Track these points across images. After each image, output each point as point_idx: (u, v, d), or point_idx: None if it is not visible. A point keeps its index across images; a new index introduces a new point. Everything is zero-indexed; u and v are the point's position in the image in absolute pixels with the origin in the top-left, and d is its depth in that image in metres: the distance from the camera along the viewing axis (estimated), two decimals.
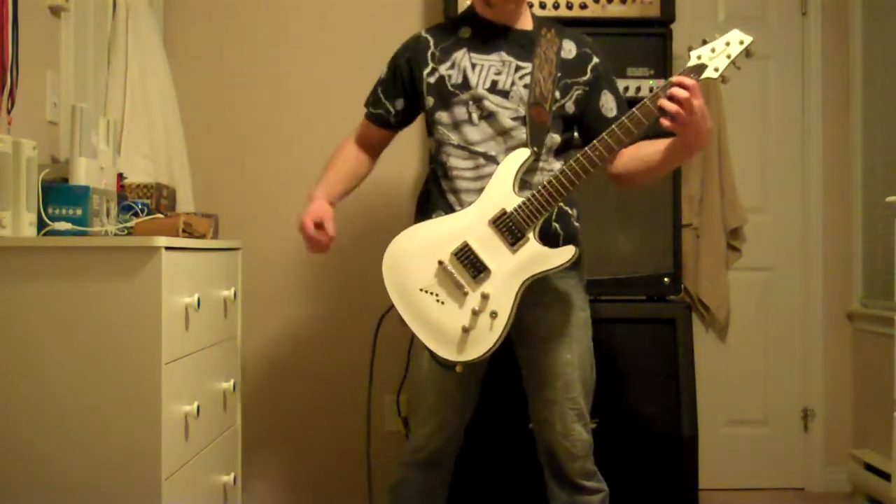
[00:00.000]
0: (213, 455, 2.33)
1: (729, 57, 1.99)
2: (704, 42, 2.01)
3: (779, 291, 3.68)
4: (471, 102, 2.17)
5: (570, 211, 2.23)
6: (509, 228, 2.06)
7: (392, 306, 2.12)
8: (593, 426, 2.26)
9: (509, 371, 2.27)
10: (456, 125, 2.19)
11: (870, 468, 3.36)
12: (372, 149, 2.41)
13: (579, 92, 2.21)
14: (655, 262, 2.92)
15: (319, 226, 2.24)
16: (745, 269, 3.63)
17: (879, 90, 3.55)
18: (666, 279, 2.91)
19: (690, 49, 2.02)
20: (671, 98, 1.95)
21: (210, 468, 2.31)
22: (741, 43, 1.99)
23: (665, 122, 1.98)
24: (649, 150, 2.14)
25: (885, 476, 3.10)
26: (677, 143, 2.06)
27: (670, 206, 2.94)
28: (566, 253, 2.05)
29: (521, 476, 2.58)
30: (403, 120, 2.35)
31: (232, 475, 2.45)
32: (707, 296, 3.53)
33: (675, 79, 1.98)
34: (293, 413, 3.35)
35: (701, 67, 1.99)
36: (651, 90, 2.83)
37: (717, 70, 1.99)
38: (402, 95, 2.29)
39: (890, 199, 2.53)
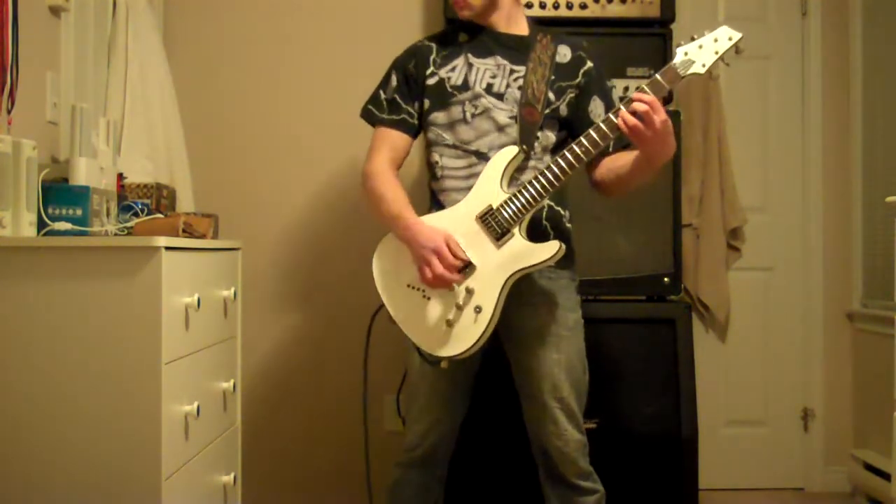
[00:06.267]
0: (213, 455, 2.33)
1: (717, 53, 1.99)
2: (693, 38, 2.02)
3: (779, 291, 3.68)
4: (467, 102, 2.18)
5: (561, 211, 2.24)
6: (495, 224, 2.06)
7: (382, 304, 2.13)
8: (592, 426, 2.26)
9: (506, 370, 2.27)
10: (451, 125, 2.20)
11: (870, 468, 3.36)
12: (399, 164, 2.25)
13: (572, 95, 2.22)
14: (655, 262, 2.92)
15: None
16: (745, 269, 3.63)
17: (879, 90, 3.55)
18: (666, 279, 2.91)
19: (678, 45, 2.03)
20: (633, 113, 1.97)
21: (210, 468, 2.31)
22: (730, 39, 1.99)
23: (623, 129, 1.98)
24: (621, 163, 2.16)
25: (885, 476, 3.10)
26: (640, 156, 2.07)
27: (670, 206, 2.94)
28: (551, 248, 2.05)
29: (517, 476, 2.58)
30: (420, 125, 2.27)
31: (232, 475, 2.45)
32: (707, 296, 3.53)
33: (635, 95, 1.99)
34: (293, 413, 3.35)
35: (687, 63, 2.00)
36: None
37: (703, 66, 1.99)
38: (419, 98, 2.24)
39: (890, 199, 2.52)
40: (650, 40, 2.93)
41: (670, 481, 2.80)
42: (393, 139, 2.24)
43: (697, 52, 2.00)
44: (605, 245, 2.87)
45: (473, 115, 2.18)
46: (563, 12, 2.89)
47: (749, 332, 3.66)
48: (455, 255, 2.03)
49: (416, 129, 2.27)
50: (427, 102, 2.23)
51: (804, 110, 3.67)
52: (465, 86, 2.19)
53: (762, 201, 3.67)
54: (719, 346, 3.65)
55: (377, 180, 2.19)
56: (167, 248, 1.92)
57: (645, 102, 1.95)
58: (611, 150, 2.19)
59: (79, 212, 2.05)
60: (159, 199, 2.50)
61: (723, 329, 3.64)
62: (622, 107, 1.99)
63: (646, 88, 1.99)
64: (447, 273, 2.02)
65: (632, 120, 1.96)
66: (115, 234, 2.15)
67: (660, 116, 1.95)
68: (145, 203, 2.33)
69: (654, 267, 2.92)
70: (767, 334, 3.68)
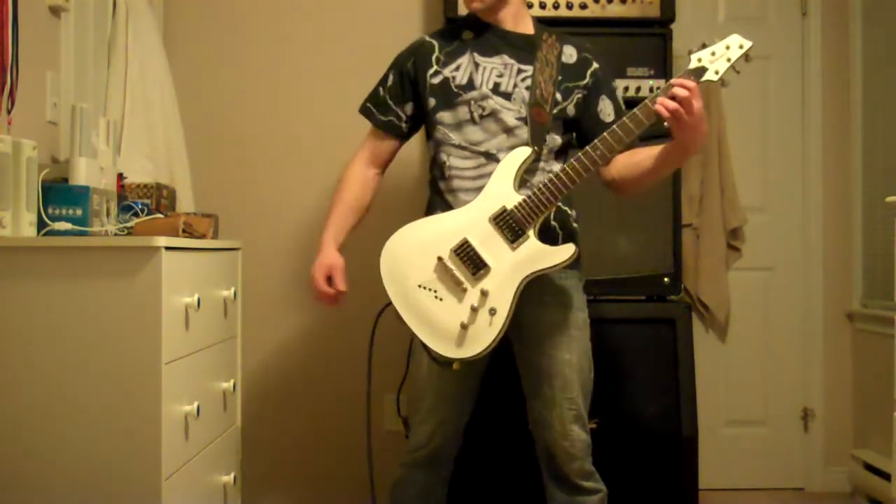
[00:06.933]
0: (213, 455, 2.33)
1: (729, 60, 2.00)
2: (704, 45, 2.02)
3: (779, 291, 3.68)
4: (473, 102, 2.18)
5: (569, 211, 2.23)
6: (510, 226, 2.06)
7: (389, 303, 2.12)
8: (593, 426, 2.26)
9: (510, 371, 2.27)
10: (458, 125, 2.19)
11: (870, 468, 3.36)
12: (381, 163, 2.34)
13: (579, 96, 2.22)
14: (655, 262, 2.92)
15: (329, 279, 2.23)
16: (745, 269, 3.63)
17: (879, 90, 3.55)
18: (666, 279, 2.91)
19: (690, 52, 2.03)
20: (672, 97, 1.97)
21: (210, 468, 2.31)
22: (741, 47, 2.00)
23: (663, 114, 1.98)
24: (644, 155, 2.15)
25: (885, 476, 3.10)
26: (674, 144, 2.06)
27: (670, 206, 2.94)
28: (566, 251, 2.05)
29: (520, 476, 2.58)
30: (413, 126, 2.31)
31: (232, 475, 2.45)
32: (707, 296, 3.53)
33: (675, 80, 1.99)
34: (293, 413, 3.35)
35: (701, 70, 2.00)
36: (651, 90, 2.84)
37: (717, 73, 2.00)
38: (412, 99, 2.26)
39: (890, 199, 2.52)
40: (650, 40, 2.93)
41: (670, 481, 2.80)
42: (376, 142, 2.32)
43: (710, 60, 2.01)
44: (605, 245, 2.87)
45: (481, 117, 2.17)
46: (563, 12, 2.89)
47: (749, 332, 3.66)
48: (328, 287, 2.22)
49: (404, 131, 2.30)
50: (432, 101, 2.22)
51: (804, 110, 3.67)
52: (471, 85, 2.18)
53: (762, 201, 3.67)
54: (719, 346, 3.65)
55: (342, 185, 2.31)
56: (167, 248, 1.92)
57: (686, 88, 1.96)
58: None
59: (79, 212, 2.05)
60: (159, 199, 2.50)
61: (723, 329, 3.64)
62: (661, 93, 1.99)
63: (690, 74, 2.00)
64: (323, 296, 2.23)
65: (672, 104, 1.96)
66: (115, 234, 2.16)
67: (698, 102, 1.97)
68: (145, 203, 2.33)
69: (655, 267, 2.92)
70: (767, 334, 3.68)
